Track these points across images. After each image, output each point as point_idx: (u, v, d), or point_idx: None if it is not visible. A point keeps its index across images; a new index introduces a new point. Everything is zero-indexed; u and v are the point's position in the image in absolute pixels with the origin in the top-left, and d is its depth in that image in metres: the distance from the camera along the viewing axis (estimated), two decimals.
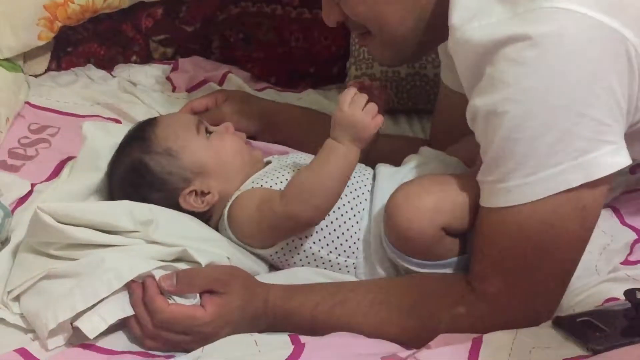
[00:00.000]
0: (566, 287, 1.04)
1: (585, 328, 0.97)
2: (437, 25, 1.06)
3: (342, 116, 1.12)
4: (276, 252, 1.18)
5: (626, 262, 1.18)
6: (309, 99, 1.64)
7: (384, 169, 1.21)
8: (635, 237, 1.23)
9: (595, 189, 0.97)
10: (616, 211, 1.27)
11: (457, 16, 1.01)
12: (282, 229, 1.15)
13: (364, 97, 1.13)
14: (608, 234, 1.22)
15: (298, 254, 1.18)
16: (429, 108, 1.52)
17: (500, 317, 1.01)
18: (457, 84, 1.19)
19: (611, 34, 0.95)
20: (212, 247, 1.12)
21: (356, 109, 1.12)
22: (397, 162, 1.24)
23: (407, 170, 1.20)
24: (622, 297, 0.99)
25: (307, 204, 1.12)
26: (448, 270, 1.11)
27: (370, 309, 1.05)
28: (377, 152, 1.26)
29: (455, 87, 1.26)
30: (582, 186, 0.96)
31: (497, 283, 1.02)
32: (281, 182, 1.18)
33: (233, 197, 1.19)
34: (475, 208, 1.05)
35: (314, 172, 1.13)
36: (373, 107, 1.13)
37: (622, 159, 0.97)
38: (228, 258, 1.12)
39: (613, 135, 0.97)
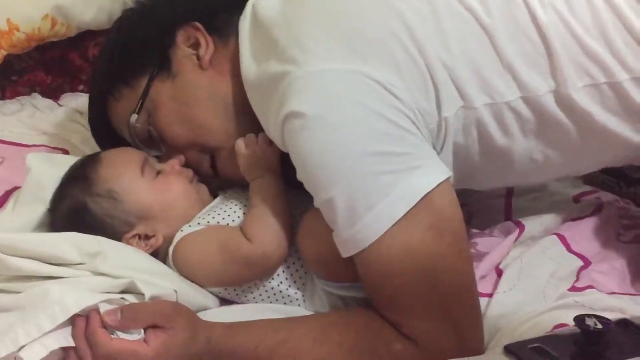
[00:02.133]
0: (477, 300, 1.07)
1: (535, 354, 0.97)
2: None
3: (245, 159, 1.18)
4: (225, 289, 1.18)
5: (573, 289, 1.19)
6: None
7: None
8: (582, 264, 1.24)
9: (432, 204, 1.01)
10: (562, 238, 1.28)
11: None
12: (255, 269, 1.15)
13: (251, 135, 1.19)
14: (555, 261, 1.23)
15: (249, 287, 1.17)
16: None
17: (432, 350, 1.02)
18: None
19: (358, 76, 1.02)
20: (160, 280, 1.11)
21: (252, 145, 1.18)
22: None
23: None
24: (572, 323, 0.99)
25: (277, 240, 1.13)
26: None
27: (312, 348, 1.05)
28: None
29: None
30: (414, 210, 1.00)
31: (409, 324, 1.04)
32: (229, 215, 1.18)
33: (176, 238, 1.17)
34: None
35: (263, 210, 1.15)
36: (264, 136, 1.17)
37: (435, 177, 1.02)
38: (175, 291, 1.10)
39: (416, 159, 1.02)
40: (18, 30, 1.59)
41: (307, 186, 1.06)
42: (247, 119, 1.18)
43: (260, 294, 1.18)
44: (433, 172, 1.02)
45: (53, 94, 1.70)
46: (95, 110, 1.30)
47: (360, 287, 1.11)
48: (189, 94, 1.21)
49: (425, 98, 1.05)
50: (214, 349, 1.04)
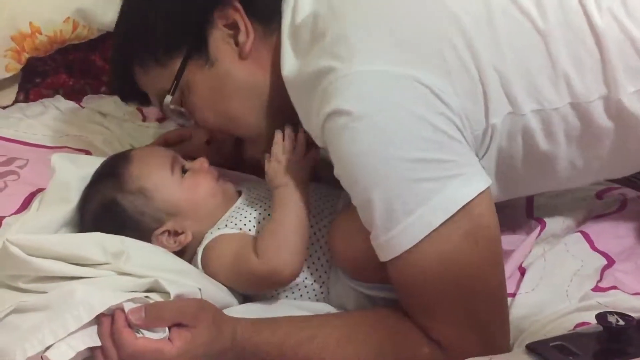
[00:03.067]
0: (507, 307, 1.07)
1: (558, 352, 0.97)
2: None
3: (275, 166, 1.16)
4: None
5: (597, 289, 1.19)
6: None
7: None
8: (605, 262, 1.23)
9: (471, 213, 1.00)
10: (586, 236, 1.27)
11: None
12: (263, 285, 1.16)
13: (290, 140, 1.17)
14: (578, 259, 1.23)
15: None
16: None
17: (459, 355, 1.01)
18: None
19: (409, 80, 1.00)
20: (184, 279, 1.12)
21: (288, 152, 1.16)
22: None
23: None
24: (594, 322, 0.99)
25: (286, 258, 1.13)
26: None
27: (337, 347, 1.05)
28: None
29: None
30: (452, 219, 0.99)
31: (439, 329, 1.04)
32: (249, 221, 1.19)
33: (206, 239, 1.18)
34: None
35: (281, 224, 1.14)
36: (300, 147, 1.16)
37: (476, 185, 1.01)
38: (200, 290, 1.11)
39: (459, 167, 1.01)
40: (40, 33, 1.61)
41: (344, 183, 1.05)
42: (282, 117, 1.17)
43: (285, 290, 1.18)
44: (474, 181, 1.01)
45: (75, 96, 1.71)
46: (118, 72, 1.26)
47: (389, 288, 1.11)
48: (227, 86, 1.17)
49: (474, 104, 1.04)
50: (238, 346, 1.05)
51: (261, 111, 1.19)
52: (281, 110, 1.16)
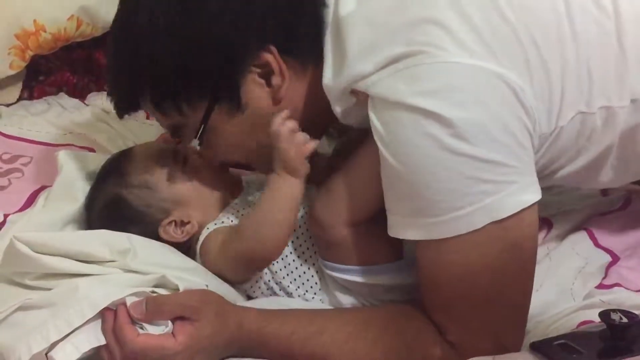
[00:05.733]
0: (526, 317, 1.06)
1: (561, 351, 0.97)
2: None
3: (285, 153, 1.09)
4: (251, 287, 1.19)
5: (601, 286, 1.19)
6: None
7: None
8: (610, 259, 1.24)
9: (517, 222, 0.99)
10: (590, 233, 1.28)
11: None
12: (243, 266, 1.15)
13: (294, 126, 1.09)
14: (582, 257, 1.24)
15: (272, 287, 1.18)
16: None
17: (470, 356, 1.01)
18: None
19: (495, 78, 0.97)
20: (191, 276, 1.11)
21: (297, 144, 1.09)
22: None
23: None
24: (596, 320, 0.99)
25: (259, 241, 1.11)
26: (387, 277, 1.13)
27: (346, 343, 1.05)
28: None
29: None
30: (497, 224, 0.98)
31: (456, 331, 1.03)
32: (237, 218, 1.19)
33: (202, 235, 1.18)
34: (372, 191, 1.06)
35: (262, 210, 1.12)
36: (303, 136, 1.10)
37: (528, 197, 0.99)
38: (207, 286, 1.11)
39: (516, 175, 0.99)
40: (44, 31, 1.61)
41: (389, 158, 0.99)
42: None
43: (283, 295, 1.18)
44: (528, 192, 1.00)
45: (79, 93, 1.71)
46: (122, 99, 1.15)
47: (377, 271, 1.12)
48: (257, 127, 1.11)
49: (549, 104, 1.01)
50: (245, 336, 1.04)
51: None
52: (316, 136, 1.13)
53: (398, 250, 1.14)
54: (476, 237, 0.98)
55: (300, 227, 1.18)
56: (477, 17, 1.00)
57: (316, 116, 1.13)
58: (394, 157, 0.99)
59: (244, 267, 1.15)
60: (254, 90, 1.10)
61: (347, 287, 1.16)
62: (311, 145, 1.11)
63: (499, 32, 1.00)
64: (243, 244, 1.12)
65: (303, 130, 1.11)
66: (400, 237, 1.04)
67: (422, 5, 1.02)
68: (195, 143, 1.13)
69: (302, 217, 1.18)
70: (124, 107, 1.16)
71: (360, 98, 1.05)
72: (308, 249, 1.18)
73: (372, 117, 1.01)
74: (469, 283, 1.01)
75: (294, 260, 1.18)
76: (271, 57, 1.07)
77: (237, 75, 1.08)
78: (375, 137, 1.01)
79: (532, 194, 1.00)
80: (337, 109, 1.09)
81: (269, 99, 1.10)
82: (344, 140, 1.32)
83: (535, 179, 1.02)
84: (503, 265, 1.00)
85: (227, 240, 1.14)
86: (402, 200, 1.01)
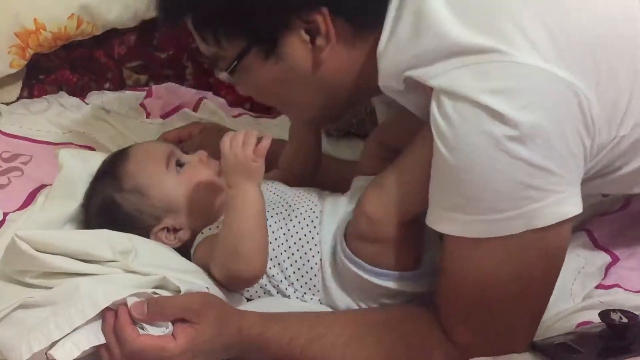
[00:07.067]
0: (538, 324, 1.04)
1: (562, 351, 0.97)
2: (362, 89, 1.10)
3: (225, 162, 1.08)
4: (247, 291, 1.17)
5: (600, 287, 1.19)
6: (284, 124, 1.63)
7: (328, 205, 1.20)
8: (610, 260, 1.23)
9: (554, 233, 0.98)
10: (590, 234, 1.28)
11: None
12: (233, 285, 1.14)
13: (240, 134, 1.09)
14: (582, 257, 1.23)
15: (269, 291, 1.17)
16: None
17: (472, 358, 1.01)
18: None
19: (564, 86, 0.96)
20: (192, 278, 1.11)
21: (235, 147, 1.08)
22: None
23: (346, 202, 1.19)
24: (596, 321, 0.99)
25: (238, 260, 1.09)
26: (399, 284, 1.11)
27: (347, 348, 1.04)
28: (332, 178, 1.28)
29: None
30: (534, 233, 0.96)
31: (464, 335, 1.02)
32: None
33: (197, 239, 1.17)
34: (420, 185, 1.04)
35: (228, 227, 1.10)
36: (251, 138, 1.08)
37: (569, 208, 0.98)
38: (207, 288, 1.11)
39: (563, 185, 0.97)
40: (45, 29, 1.61)
41: (438, 144, 0.97)
42: (344, 109, 1.16)
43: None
44: (571, 203, 0.98)
45: (79, 92, 1.71)
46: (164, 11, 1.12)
47: (391, 277, 1.10)
48: (289, 84, 1.10)
49: (613, 113, 0.99)
50: (245, 340, 1.03)
51: (324, 104, 1.13)
52: (348, 103, 1.12)
53: (419, 259, 1.13)
54: (511, 242, 0.97)
55: (302, 228, 1.17)
56: (552, 21, 0.97)
57: (356, 88, 1.10)
58: (448, 149, 0.96)
59: (236, 286, 1.15)
60: (295, 44, 1.06)
61: (349, 288, 1.15)
62: (264, 143, 1.09)
63: (573, 38, 0.97)
64: (224, 269, 1.10)
65: (333, 103, 1.11)
66: (436, 229, 1.01)
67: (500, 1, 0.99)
68: (225, 76, 1.11)
69: (314, 216, 1.17)
70: (164, 17, 1.13)
71: (409, 82, 1.02)
72: (311, 249, 1.17)
73: (434, 108, 0.97)
74: (493, 287, 0.99)
75: (294, 261, 1.17)
76: (321, 18, 1.04)
77: (281, 23, 1.05)
78: (432, 127, 0.98)
79: (574, 207, 0.98)
80: (389, 84, 1.05)
81: (309, 58, 1.07)
82: (389, 121, 1.28)
83: (579, 190, 0.99)
84: (531, 274, 0.99)
85: (208, 260, 1.12)
86: (445, 193, 1.00)
